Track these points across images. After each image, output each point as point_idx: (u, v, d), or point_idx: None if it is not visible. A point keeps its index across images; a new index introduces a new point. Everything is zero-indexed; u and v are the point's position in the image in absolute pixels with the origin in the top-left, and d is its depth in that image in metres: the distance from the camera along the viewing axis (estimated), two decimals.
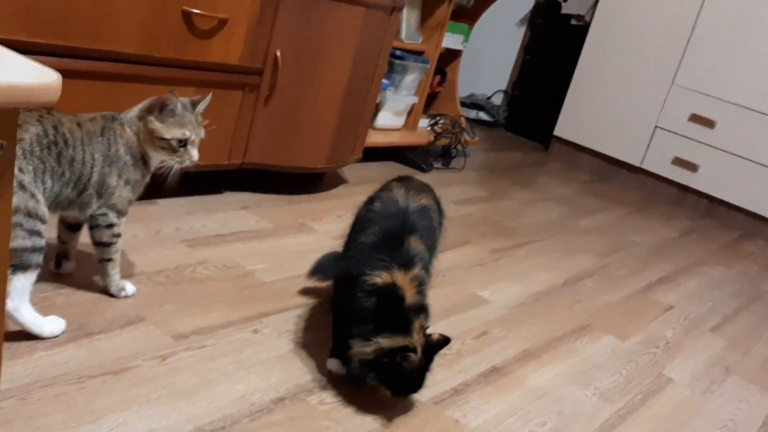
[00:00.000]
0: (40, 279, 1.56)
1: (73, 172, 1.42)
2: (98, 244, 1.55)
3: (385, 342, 1.40)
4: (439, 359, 1.75)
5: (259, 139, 2.31)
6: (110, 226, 1.54)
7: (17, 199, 1.29)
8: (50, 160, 1.37)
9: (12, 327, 1.38)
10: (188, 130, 1.54)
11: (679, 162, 3.96)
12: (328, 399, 1.47)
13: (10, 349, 1.34)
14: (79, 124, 1.45)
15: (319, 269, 1.88)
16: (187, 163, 1.56)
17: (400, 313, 1.42)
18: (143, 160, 1.55)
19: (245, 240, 2.09)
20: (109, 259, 1.58)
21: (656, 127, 4.02)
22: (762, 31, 3.66)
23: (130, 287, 1.61)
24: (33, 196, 1.32)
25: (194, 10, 1.94)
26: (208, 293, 1.74)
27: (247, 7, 2.07)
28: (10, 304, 1.32)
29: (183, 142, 1.54)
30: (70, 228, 1.61)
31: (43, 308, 1.48)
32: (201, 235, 2.03)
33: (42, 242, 1.36)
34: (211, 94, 1.63)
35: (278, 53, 2.21)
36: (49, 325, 1.40)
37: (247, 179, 2.50)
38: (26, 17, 1.65)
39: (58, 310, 1.50)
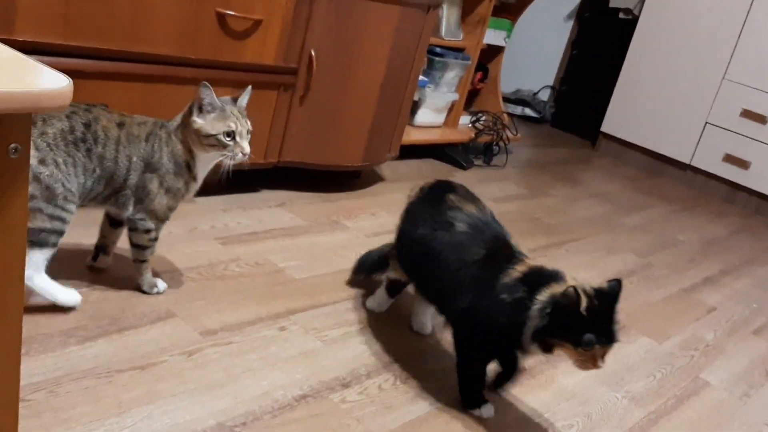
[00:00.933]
0: (76, 275, 1.62)
1: (103, 169, 1.46)
2: (134, 245, 1.60)
3: (543, 297, 1.37)
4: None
5: (294, 138, 2.33)
6: (148, 231, 1.57)
7: (34, 188, 1.35)
8: (79, 155, 1.42)
9: (44, 319, 1.43)
10: (233, 122, 1.52)
11: (730, 159, 3.85)
12: (351, 397, 1.48)
13: (43, 342, 1.39)
14: (120, 125, 1.49)
15: (363, 267, 1.92)
16: (239, 156, 1.54)
17: (546, 275, 1.42)
18: (188, 168, 1.55)
19: (278, 237, 2.12)
20: (143, 261, 1.62)
21: (706, 123, 3.91)
22: None
23: (161, 284, 1.66)
24: (48, 188, 1.38)
25: (228, 12, 1.97)
26: (239, 290, 1.77)
27: (281, 8, 2.10)
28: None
29: (230, 135, 1.52)
30: (112, 223, 1.65)
31: (79, 305, 1.53)
32: (235, 233, 2.07)
33: (63, 227, 1.42)
34: (250, 87, 1.62)
35: (313, 53, 2.23)
36: (64, 294, 1.49)
37: (284, 177, 2.53)
38: (65, 21, 1.71)
39: (92, 305, 1.55)
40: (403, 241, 1.69)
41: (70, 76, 0.84)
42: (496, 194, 3.10)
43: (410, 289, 1.78)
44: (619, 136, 4.26)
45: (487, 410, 1.54)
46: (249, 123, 1.58)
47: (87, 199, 1.48)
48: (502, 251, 1.50)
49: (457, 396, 1.57)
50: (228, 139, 1.52)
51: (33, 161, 1.35)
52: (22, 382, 1.25)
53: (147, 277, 1.63)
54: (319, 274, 1.96)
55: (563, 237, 2.78)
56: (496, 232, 1.55)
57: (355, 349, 1.66)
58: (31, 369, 1.31)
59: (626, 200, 3.54)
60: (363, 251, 2.19)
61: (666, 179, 4.15)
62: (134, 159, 1.50)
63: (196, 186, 1.60)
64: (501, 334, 1.45)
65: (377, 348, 1.69)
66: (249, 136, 1.58)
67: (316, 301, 1.82)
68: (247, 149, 1.55)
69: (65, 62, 1.72)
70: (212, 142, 1.52)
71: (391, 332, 1.77)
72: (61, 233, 1.42)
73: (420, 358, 1.68)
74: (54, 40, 1.71)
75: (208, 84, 1.51)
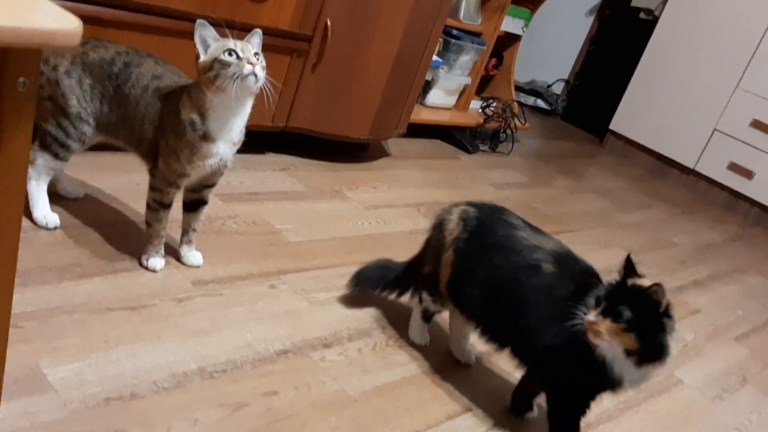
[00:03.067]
0: (80, 216, 1.67)
1: (127, 109, 1.53)
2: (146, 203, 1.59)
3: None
4: (439, 332, 1.80)
5: (303, 105, 2.37)
6: (152, 188, 1.55)
7: (52, 90, 1.51)
8: (109, 88, 1.53)
9: (43, 253, 1.49)
10: (232, 43, 1.42)
11: (734, 167, 3.87)
12: (330, 357, 1.54)
13: (40, 275, 1.44)
14: (156, 77, 1.54)
15: (363, 280, 1.77)
16: (247, 69, 1.40)
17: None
18: (192, 127, 1.46)
19: (278, 200, 2.16)
20: (147, 224, 1.58)
21: (715, 129, 3.93)
22: None
23: (154, 262, 1.60)
24: (64, 96, 1.52)
25: None
26: (234, 246, 1.82)
27: None
28: None
29: (232, 53, 1.40)
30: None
31: (79, 243, 1.59)
32: (236, 191, 2.11)
33: (67, 141, 1.56)
34: (258, 30, 1.51)
35: (328, 22, 2.26)
36: (43, 211, 1.60)
37: (290, 143, 2.57)
38: None
39: (92, 244, 1.60)
40: (465, 285, 1.54)
41: (87, 22, 0.88)
42: (498, 180, 3.14)
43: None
44: (626, 135, 4.28)
45: None
46: (262, 58, 1.46)
47: (112, 134, 1.58)
48: (589, 284, 1.42)
49: (431, 367, 1.63)
50: (230, 56, 1.40)
51: (61, 69, 1.51)
52: (16, 311, 1.30)
53: (147, 246, 1.60)
54: (313, 240, 2.01)
55: (557, 227, 2.81)
56: (583, 266, 1.48)
57: (340, 313, 1.71)
58: (27, 299, 1.36)
59: (626, 198, 3.57)
60: (360, 222, 2.24)
61: (669, 182, 4.17)
62: (150, 111, 1.52)
63: (211, 148, 1.48)
64: (578, 358, 1.38)
65: (361, 314, 1.74)
66: (261, 62, 1.44)
67: (308, 264, 1.87)
68: (257, 63, 1.42)
69: (84, 8, 1.75)
70: (216, 69, 1.40)
71: (377, 301, 1.82)
72: (65, 147, 1.55)
73: (401, 327, 1.73)
74: None
75: (204, 21, 1.44)
